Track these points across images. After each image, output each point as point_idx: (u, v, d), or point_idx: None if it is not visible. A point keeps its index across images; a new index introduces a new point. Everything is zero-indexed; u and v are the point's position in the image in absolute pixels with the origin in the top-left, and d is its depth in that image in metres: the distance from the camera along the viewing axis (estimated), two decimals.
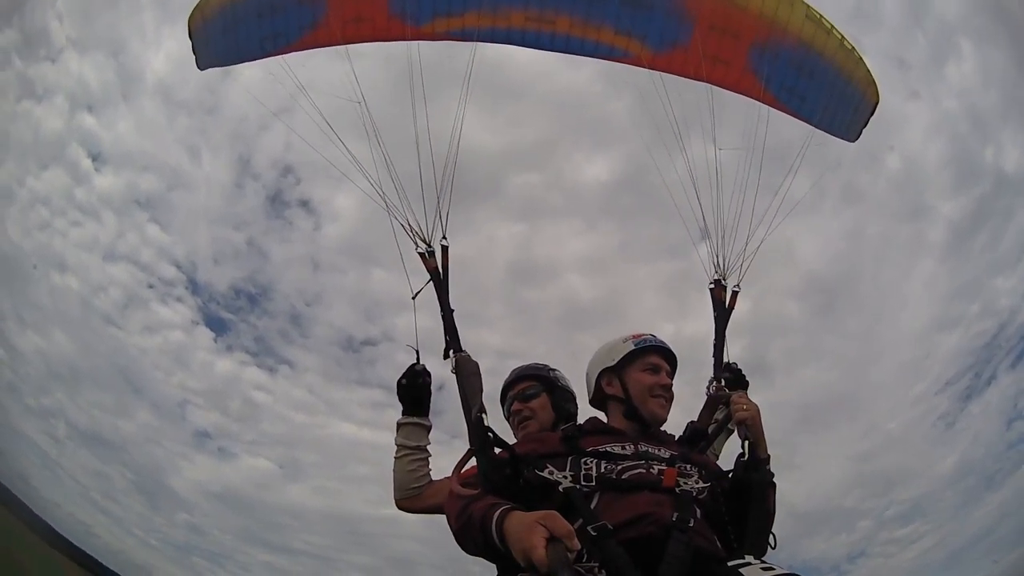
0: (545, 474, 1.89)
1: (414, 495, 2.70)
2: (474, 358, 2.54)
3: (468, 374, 2.47)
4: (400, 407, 2.81)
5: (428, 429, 2.78)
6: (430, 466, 2.76)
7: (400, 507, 2.76)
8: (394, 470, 2.74)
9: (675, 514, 1.76)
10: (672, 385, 2.41)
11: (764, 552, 1.95)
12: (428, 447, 2.77)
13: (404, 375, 2.76)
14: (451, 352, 2.58)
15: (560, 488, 1.84)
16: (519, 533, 1.48)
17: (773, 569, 1.56)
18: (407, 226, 2.92)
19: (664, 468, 1.96)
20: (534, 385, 2.86)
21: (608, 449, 2.05)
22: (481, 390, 2.42)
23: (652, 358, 2.40)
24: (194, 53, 4.50)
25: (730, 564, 1.64)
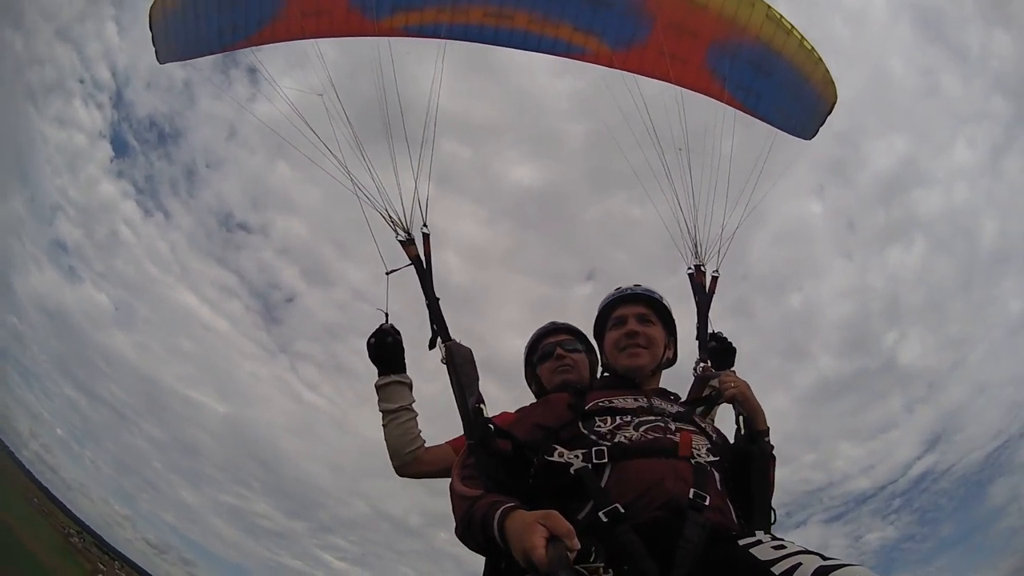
0: (555, 458, 1.82)
1: (411, 460, 2.61)
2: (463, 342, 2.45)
3: (462, 362, 2.37)
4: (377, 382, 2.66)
5: (409, 385, 2.68)
6: (419, 427, 2.66)
7: (401, 474, 2.66)
8: (385, 439, 2.63)
9: (692, 490, 1.71)
10: (640, 331, 2.27)
11: (770, 524, 1.94)
12: (413, 405, 2.68)
13: (372, 335, 2.68)
14: (439, 340, 2.48)
15: (572, 470, 1.78)
16: (519, 533, 1.45)
17: (784, 547, 1.53)
18: (387, 216, 2.90)
19: (680, 427, 1.92)
20: (576, 341, 2.87)
21: (618, 404, 2.01)
22: (477, 378, 2.34)
23: (617, 312, 2.35)
24: (154, 45, 4.43)
25: (741, 543, 1.60)
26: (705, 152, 3.50)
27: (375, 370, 2.70)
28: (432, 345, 2.54)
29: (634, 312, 2.31)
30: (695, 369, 2.86)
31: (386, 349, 2.66)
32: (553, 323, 3.01)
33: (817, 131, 4.17)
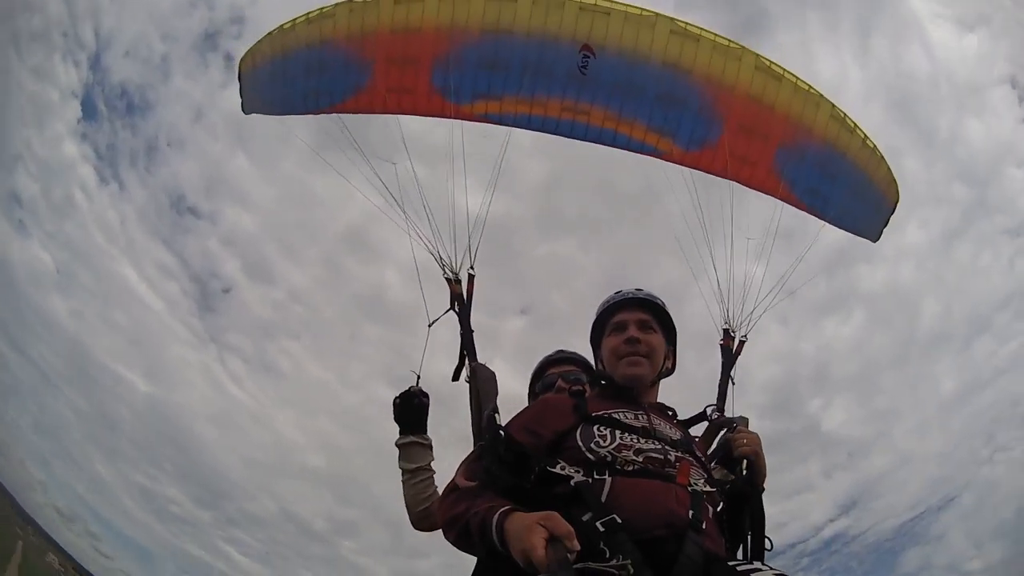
0: (557, 470, 1.80)
1: (424, 515, 2.67)
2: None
3: (484, 379, 2.55)
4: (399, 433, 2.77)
5: (429, 446, 2.76)
6: (436, 484, 2.72)
7: (416, 528, 2.72)
8: (404, 495, 2.72)
9: (690, 511, 1.68)
10: (641, 338, 2.16)
11: (763, 554, 1.94)
12: (431, 464, 2.75)
13: (399, 395, 2.77)
14: (467, 362, 2.69)
15: (572, 483, 1.75)
16: (519, 534, 1.45)
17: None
18: (437, 255, 3.11)
19: (679, 456, 1.86)
20: (580, 372, 2.86)
21: (619, 417, 1.95)
22: (497, 394, 2.46)
23: (616, 317, 2.23)
24: (241, 96, 4.70)
25: (740, 570, 1.57)
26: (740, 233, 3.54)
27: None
28: (456, 377, 2.72)
29: (635, 318, 2.21)
30: (708, 415, 2.75)
31: (411, 411, 2.76)
32: (560, 351, 3.02)
33: (882, 232, 4.14)
